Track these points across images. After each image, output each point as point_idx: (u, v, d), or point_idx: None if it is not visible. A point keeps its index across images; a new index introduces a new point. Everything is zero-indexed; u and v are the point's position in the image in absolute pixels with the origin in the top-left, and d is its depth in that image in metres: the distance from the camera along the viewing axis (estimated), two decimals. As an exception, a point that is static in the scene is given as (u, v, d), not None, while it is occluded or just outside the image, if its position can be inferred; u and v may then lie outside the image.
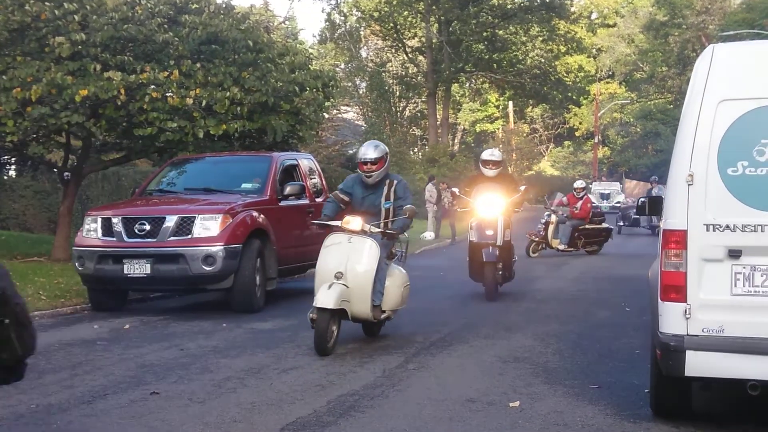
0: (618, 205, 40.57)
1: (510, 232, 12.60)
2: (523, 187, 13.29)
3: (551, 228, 21.04)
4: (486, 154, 13.23)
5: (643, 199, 6.75)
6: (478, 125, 64.57)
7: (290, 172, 13.28)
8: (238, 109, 15.10)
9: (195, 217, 11.26)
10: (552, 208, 21.45)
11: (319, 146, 34.64)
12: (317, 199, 13.58)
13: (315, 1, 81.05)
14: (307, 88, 16.38)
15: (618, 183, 51.69)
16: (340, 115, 47.99)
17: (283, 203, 12.51)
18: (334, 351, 8.46)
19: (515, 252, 13.23)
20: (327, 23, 55.28)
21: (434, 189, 27.70)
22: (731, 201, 5.38)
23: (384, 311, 8.85)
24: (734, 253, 5.38)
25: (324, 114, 20.93)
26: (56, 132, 15.73)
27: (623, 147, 61.48)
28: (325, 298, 8.22)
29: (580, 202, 21.41)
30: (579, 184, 22.31)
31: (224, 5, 16.82)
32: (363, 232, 8.61)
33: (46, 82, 13.58)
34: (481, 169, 13.18)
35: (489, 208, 12.51)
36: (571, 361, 8.17)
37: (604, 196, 45.33)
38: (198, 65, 15.00)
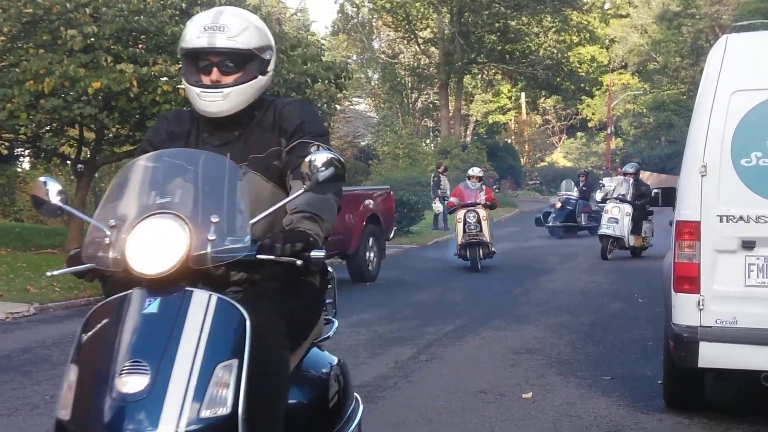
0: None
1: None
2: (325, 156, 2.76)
3: (485, 224, 15.80)
4: (192, 33, 3.13)
5: (656, 191, 6.73)
6: (491, 116, 64.41)
7: (302, 164, 13.26)
8: (250, 101, 15.10)
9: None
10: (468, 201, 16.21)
11: (332, 138, 34.60)
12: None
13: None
14: (319, 80, 16.39)
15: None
16: (352, 107, 47.95)
17: (295, 195, 12.49)
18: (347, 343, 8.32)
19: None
20: (339, 15, 55.25)
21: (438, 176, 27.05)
22: (745, 192, 5.35)
23: None
24: (748, 245, 5.35)
25: (336, 106, 20.87)
26: (69, 124, 15.78)
27: (636, 138, 61.13)
28: None
29: (483, 194, 16.24)
30: (475, 171, 17.08)
31: (235, -3, 16.81)
32: None
33: (58, 74, 13.61)
34: (186, 87, 3.27)
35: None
36: (583, 353, 8.17)
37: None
38: (210, 57, 15.01)
